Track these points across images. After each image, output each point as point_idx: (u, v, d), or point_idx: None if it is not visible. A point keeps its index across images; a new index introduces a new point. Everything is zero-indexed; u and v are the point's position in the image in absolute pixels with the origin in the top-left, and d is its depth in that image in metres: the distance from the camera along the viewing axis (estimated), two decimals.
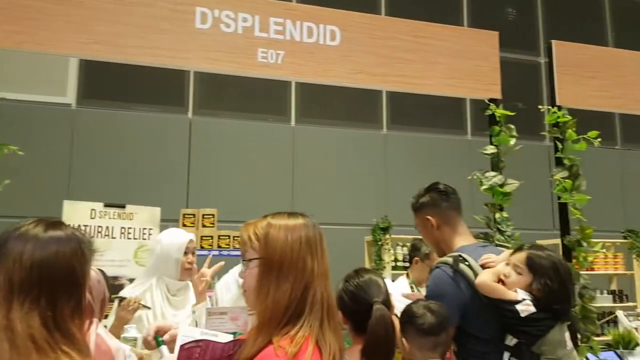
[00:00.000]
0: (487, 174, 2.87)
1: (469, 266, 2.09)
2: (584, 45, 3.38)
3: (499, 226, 2.75)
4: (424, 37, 3.08)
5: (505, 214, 2.79)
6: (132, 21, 2.59)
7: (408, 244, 5.17)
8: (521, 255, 2.04)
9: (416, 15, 3.30)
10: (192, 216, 4.26)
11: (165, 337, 1.77)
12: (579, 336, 2.70)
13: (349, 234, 6.13)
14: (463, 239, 2.26)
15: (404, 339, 2.01)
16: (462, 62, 3.11)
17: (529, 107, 3.71)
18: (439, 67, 3.07)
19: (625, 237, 5.69)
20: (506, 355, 2.00)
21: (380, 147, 7.00)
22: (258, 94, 6.60)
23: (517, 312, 1.93)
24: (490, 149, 2.94)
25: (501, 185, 2.83)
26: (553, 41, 3.26)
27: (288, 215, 1.45)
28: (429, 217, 2.29)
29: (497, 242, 2.73)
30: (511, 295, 1.99)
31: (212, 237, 4.22)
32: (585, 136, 2.95)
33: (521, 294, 1.99)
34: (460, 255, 2.13)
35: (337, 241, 6.10)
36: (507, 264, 2.04)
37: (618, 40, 7.92)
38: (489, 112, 3.03)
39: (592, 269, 5.13)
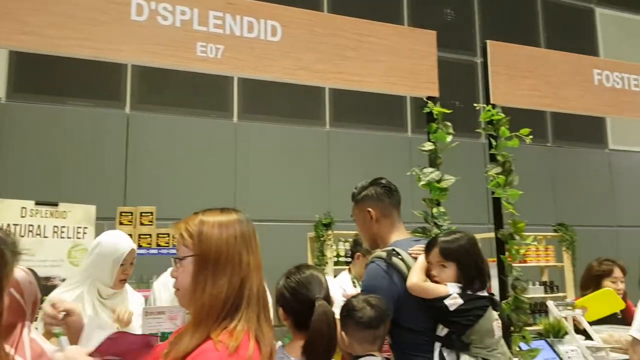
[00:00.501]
0: (425, 170, 2.93)
1: (402, 260, 2.15)
2: (517, 45, 3.50)
3: (436, 221, 2.81)
4: (365, 35, 3.11)
5: (442, 209, 2.86)
6: (64, 11, 2.48)
7: (350, 240, 5.23)
8: (435, 251, 2.13)
9: (357, 13, 3.33)
10: (129, 214, 4.14)
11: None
12: (512, 326, 2.81)
13: (292, 231, 6.14)
14: (398, 234, 2.32)
15: (343, 333, 2.03)
16: (402, 61, 3.16)
17: (465, 105, 3.81)
18: (379, 65, 3.11)
19: (555, 231, 5.96)
20: (437, 345, 2.07)
21: (323, 144, 7.04)
22: (199, 90, 6.49)
23: (446, 306, 2.02)
24: (428, 146, 3.00)
25: (438, 181, 2.89)
26: (488, 41, 3.36)
27: (220, 211, 1.44)
28: (370, 209, 2.33)
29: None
30: (442, 291, 2.07)
31: (150, 235, 4.12)
32: (517, 133, 3.06)
33: (451, 288, 2.07)
34: (394, 250, 2.18)
35: (280, 238, 6.16)
36: (430, 263, 2.12)
37: (549, 41, 8.28)
38: (427, 110, 3.09)
39: (525, 262, 5.35)
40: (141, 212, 4.18)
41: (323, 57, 2.96)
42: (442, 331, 2.08)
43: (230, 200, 6.09)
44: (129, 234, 2.85)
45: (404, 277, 2.12)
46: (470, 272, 2.10)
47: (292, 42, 2.89)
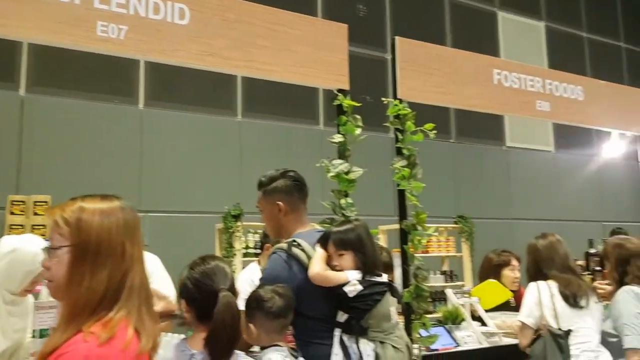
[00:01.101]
0: (334, 162, 2.95)
1: (303, 250, 2.18)
2: (424, 43, 3.60)
3: (343, 211, 2.85)
4: (278, 23, 3.08)
5: (350, 200, 2.90)
6: None
7: (260, 231, 5.19)
8: (331, 242, 2.18)
9: (271, 1, 3.28)
10: (21, 203, 3.86)
11: None
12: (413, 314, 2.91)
13: (200, 222, 6.00)
14: (302, 226, 2.35)
15: (250, 324, 2.02)
16: (313, 52, 3.16)
17: (375, 100, 3.89)
18: (290, 55, 3.09)
19: (456, 222, 6.26)
20: (337, 331, 2.12)
21: (234, 134, 6.92)
22: (102, 73, 6.15)
23: (345, 293, 2.07)
24: (338, 138, 3.03)
25: (347, 173, 2.93)
26: (397, 37, 3.44)
27: (101, 197, 1.34)
28: (280, 202, 2.33)
29: None
30: (342, 278, 2.12)
31: (44, 226, 3.86)
32: (422, 128, 3.16)
33: (350, 275, 2.13)
34: (295, 241, 2.21)
35: (187, 229, 6.00)
36: (329, 254, 2.18)
37: (455, 41, 8.64)
38: (337, 102, 3.11)
39: (427, 252, 5.57)
40: (35, 202, 3.92)
41: (234, 44, 2.89)
42: (341, 317, 2.14)
43: (134, 191, 5.85)
44: (20, 225, 2.64)
45: (304, 267, 2.15)
46: (367, 259, 2.17)
47: (201, 27, 2.79)
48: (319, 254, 2.16)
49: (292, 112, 7.35)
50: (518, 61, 4.34)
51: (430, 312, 4.31)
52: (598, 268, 4.22)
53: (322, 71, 3.17)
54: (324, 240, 2.21)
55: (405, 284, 2.95)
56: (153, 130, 6.37)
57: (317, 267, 2.12)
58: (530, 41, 9.86)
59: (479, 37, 9.10)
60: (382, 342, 2.12)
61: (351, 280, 2.10)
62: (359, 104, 3.12)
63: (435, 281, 5.39)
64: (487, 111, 3.95)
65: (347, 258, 2.16)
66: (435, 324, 3.20)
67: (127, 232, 1.30)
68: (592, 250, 4.36)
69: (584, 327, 2.82)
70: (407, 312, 2.91)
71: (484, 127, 8.78)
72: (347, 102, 3.10)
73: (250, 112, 7.11)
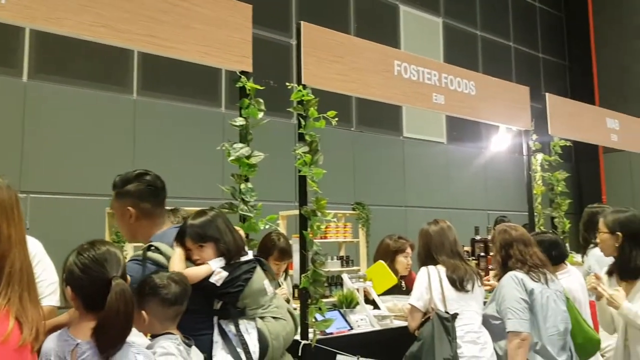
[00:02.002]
0: (235, 146, 2.90)
1: (161, 253, 2.15)
2: (329, 30, 3.61)
3: (243, 196, 2.81)
4: None
5: (250, 185, 2.86)
6: None
7: None
8: (188, 238, 2.18)
9: None
10: None
11: None
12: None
13: (88, 205, 5.68)
14: (160, 228, 2.30)
15: (143, 312, 1.94)
16: (216, 31, 3.06)
17: (280, 85, 3.86)
18: (192, 32, 2.97)
19: (353, 209, 6.41)
20: (215, 319, 2.12)
21: (128, 113, 6.59)
22: None
23: (213, 284, 2.07)
24: (240, 121, 2.97)
25: (247, 157, 2.88)
26: (302, 23, 3.41)
27: None
28: (129, 208, 2.25)
29: (241, 212, 2.80)
30: (203, 271, 2.12)
31: None
32: (324, 115, 3.18)
33: (213, 265, 2.14)
34: (152, 245, 2.18)
35: (73, 212, 5.65)
36: (189, 249, 2.16)
37: (358, 31, 8.79)
38: (239, 85, 3.05)
39: (325, 237, 5.65)
40: None
41: (130, 17, 2.73)
42: (217, 304, 2.16)
43: (14, 169, 5.40)
44: None
45: (162, 267, 2.12)
46: (229, 245, 2.17)
47: None
48: (176, 254, 2.15)
49: (193, 92, 7.12)
50: (417, 54, 4.48)
51: (327, 297, 4.39)
52: (482, 254, 4.52)
53: (225, 51, 3.08)
54: (180, 237, 2.18)
55: (303, 269, 2.97)
56: (38, 105, 5.90)
57: (176, 267, 2.10)
58: (428, 36, 10.26)
59: (381, 29, 9.33)
60: (262, 317, 2.15)
61: (215, 269, 2.11)
62: (262, 87, 3.07)
63: (333, 266, 5.48)
64: (387, 101, 4.05)
65: (208, 250, 2.17)
66: (330, 308, 3.26)
67: (3, 213, 1.19)
68: (478, 237, 4.65)
69: (469, 310, 2.99)
70: (304, 296, 2.93)
71: (383, 117, 9.05)
72: (250, 84, 3.04)
73: (147, 91, 6.79)
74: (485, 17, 11.29)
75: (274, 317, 2.19)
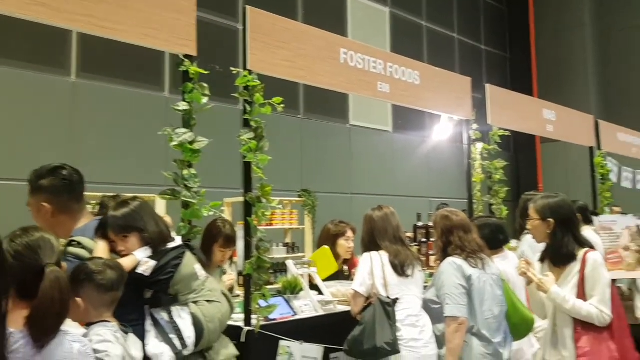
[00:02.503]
0: (177, 131, 2.84)
1: (84, 247, 2.13)
2: (275, 16, 3.58)
3: (186, 183, 2.77)
4: None
5: (193, 171, 2.82)
6: None
7: (93, 202, 4.84)
8: (110, 230, 2.17)
9: None
10: None
11: None
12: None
13: (22, 191, 5.44)
14: (80, 222, 2.26)
15: (78, 299, 1.90)
16: (159, 13, 2.98)
17: (226, 70, 3.80)
18: (133, 13, 2.87)
19: (300, 196, 6.43)
20: (147, 309, 2.11)
21: (66, 96, 6.34)
22: None
23: (142, 274, 2.06)
24: (182, 106, 2.91)
25: (191, 143, 2.84)
26: (248, 7, 3.37)
27: None
28: (44, 204, 2.20)
29: (184, 199, 2.76)
30: (130, 263, 2.11)
31: None
32: (270, 101, 3.17)
33: (139, 255, 2.12)
34: (73, 240, 2.15)
35: (7, 198, 5.39)
36: (113, 241, 2.15)
37: (306, 18, 8.76)
38: (183, 69, 2.99)
39: (271, 224, 5.67)
40: None
41: None
42: (148, 294, 2.14)
43: None
44: None
45: (84, 260, 2.10)
46: (153, 233, 2.17)
47: None
48: (99, 246, 2.12)
49: (135, 76, 6.92)
50: (364, 43, 4.51)
51: (271, 283, 4.40)
52: (424, 239, 4.64)
53: (168, 34, 3.01)
54: (102, 229, 2.15)
55: (247, 255, 2.97)
56: None
57: None
58: (375, 25, 10.35)
59: (329, 17, 9.33)
60: (195, 302, 2.15)
61: (141, 260, 2.09)
62: (206, 72, 3.03)
63: (278, 253, 5.51)
64: (333, 89, 4.06)
65: (132, 240, 2.16)
66: (275, 295, 3.27)
67: None
68: (420, 223, 4.76)
69: (409, 295, 3.07)
70: (248, 283, 2.93)
71: (330, 105, 9.09)
72: (193, 69, 2.99)
73: (86, 73, 6.55)
74: (431, 8, 11.48)
75: (207, 301, 2.19)
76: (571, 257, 2.85)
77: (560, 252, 2.89)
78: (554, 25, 12.56)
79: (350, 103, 9.54)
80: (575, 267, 2.82)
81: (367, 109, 9.79)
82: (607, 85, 12.47)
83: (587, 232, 5.10)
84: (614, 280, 5.58)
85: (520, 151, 12.69)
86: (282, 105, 3.22)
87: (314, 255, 3.89)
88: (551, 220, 2.91)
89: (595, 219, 5.83)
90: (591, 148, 6.55)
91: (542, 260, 3.05)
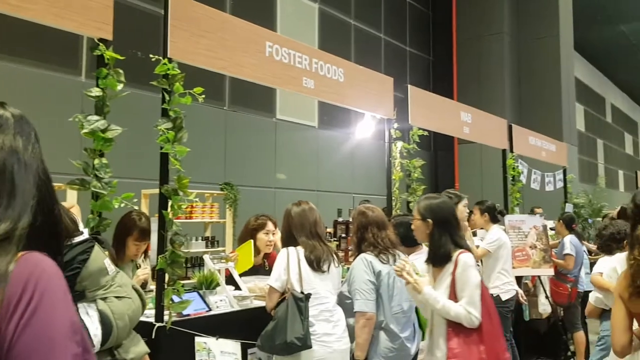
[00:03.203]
0: (89, 118, 2.71)
1: None
2: (199, 4, 3.49)
3: (97, 172, 2.65)
4: None
5: (104, 160, 2.70)
6: None
7: None
8: None
9: None
10: None
11: None
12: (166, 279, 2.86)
13: None
14: None
15: None
16: None
17: (147, 57, 3.66)
18: None
19: (221, 189, 6.33)
20: None
21: None
22: None
23: None
24: (96, 92, 2.79)
25: (103, 131, 2.72)
26: None
27: None
28: None
29: (94, 189, 2.64)
30: None
31: None
32: (191, 91, 3.09)
33: None
34: None
35: None
36: None
37: (234, 9, 8.62)
38: (98, 53, 2.86)
39: (190, 217, 5.54)
40: None
41: None
42: None
43: None
44: None
45: None
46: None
47: None
48: None
49: (50, 58, 6.54)
50: (291, 38, 4.49)
51: (187, 278, 4.31)
52: (344, 235, 4.70)
53: (82, 16, 2.86)
54: None
55: (161, 250, 2.88)
56: None
57: None
58: (304, 20, 10.36)
59: (258, 10, 9.23)
60: (104, 298, 2.07)
61: None
62: (122, 57, 2.91)
63: (197, 247, 5.39)
64: (257, 82, 4.02)
65: None
66: (190, 290, 3.20)
67: None
68: (340, 219, 4.83)
69: (324, 290, 3.10)
70: (161, 278, 2.85)
71: (256, 98, 9.00)
72: (109, 53, 2.87)
73: None
74: (359, 7, 11.64)
75: (117, 297, 2.10)
76: (447, 258, 2.81)
77: (437, 253, 2.84)
78: (475, 31, 13.08)
79: (277, 97, 9.50)
80: (449, 267, 2.80)
81: (294, 104, 9.79)
82: (520, 92, 13.15)
83: (495, 230, 5.39)
84: (520, 277, 5.94)
85: (440, 150, 13.15)
86: (203, 96, 3.14)
87: (239, 249, 3.83)
88: (430, 220, 2.88)
89: (505, 218, 6.14)
90: (504, 150, 6.88)
91: (427, 261, 3.00)
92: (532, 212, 8.44)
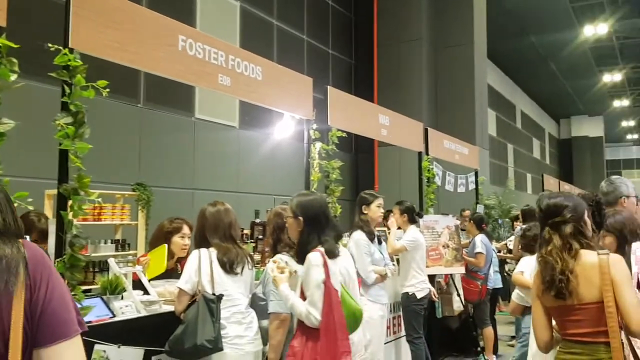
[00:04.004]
0: None
1: None
2: None
3: None
4: None
5: None
6: None
7: None
8: None
9: None
10: None
11: None
12: None
13: None
14: None
15: None
16: None
17: (48, 47, 3.42)
18: None
19: (134, 190, 6.06)
20: None
21: None
22: None
23: None
24: None
25: None
26: None
27: None
28: None
29: None
30: None
31: None
32: (94, 84, 2.91)
33: None
34: None
35: None
36: None
37: (151, 2, 8.31)
38: None
39: (99, 219, 5.27)
40: None
41: None
42: None
43: None
44: None
45: None
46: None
47: None
48: None
49: None
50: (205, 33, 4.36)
51: (94, 283, 4.08)
52: (261, 236, 4.62)
53: None
54: None
55: (59, 253, 2.68)
56: None
57: None
58: (225, 19, 10.17)
59: (178, 6, 8.96)
60: None
61: None
62: (17, 46, 2.68)
63: (106, 250, 5.12)
64: (169, 77, 3.86)
65: None
66: (93, 295, 3.01)
67: None
68: (257, 220, 4.74)
69: (237, 292, 3.02)
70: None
71: (174, 96, 8.72)
72: (2, 41, 2.63)
73: None
74: (282, 8, 11.59)
75: None
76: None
77: (304, 250, 2.84)
78: (395, 36, 13.38)
79: (196, 96, 9.26)
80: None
81: (214, 103, 9.58)
82: (437, 96, 13.61)
83: (413, 230, 5.51)
84: (433, 276, 6.10)
85: (361, 153, 13.35)
86: (107, 90, 2.97)
87: (152, 252, 3.65)
88: (300, 218, 2.87)
89: (420, 219, 6.29)
90: (420, 153, 7.05)
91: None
92: (461, 215, 8.76)
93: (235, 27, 10.33)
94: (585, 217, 2.54)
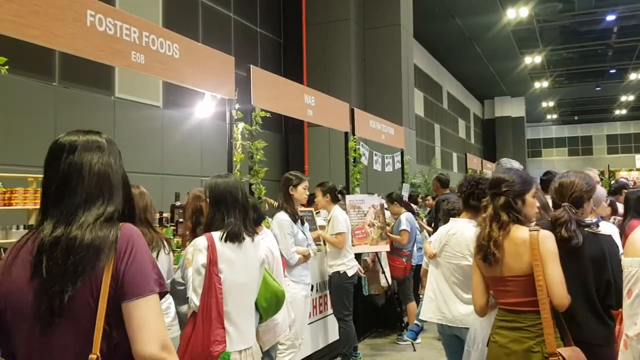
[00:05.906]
0: None
1: None
2: None
3: None
4: None
5: None
6: None
7: None
8: None
9: None
10: None
11: None
12: None
13: None
14: None
15: None
16: None
17: None
18: None
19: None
20: None
21: None
22: None
23: None
24: None
25: None
26: None
27: None
28: None
29: None
30: None
31: None
32: None
33: None
34: None
35: None
36: None
37: None
38: None
39: (11, 204, 4.98)
40: None
41: None
42: None
43: None
44: None
45: None
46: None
47: None
48: None
49: None
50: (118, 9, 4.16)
51: None
52: (181, 220, 4.51)
53: None
54: None
55: None
56: None
57: None
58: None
59: None
60: None
61: None
62: None
63: (18, 236, 4.84)
64: (77, 54, 3.65)
65: None
66: None
67: None
68: (178, 203, 4.62)
69: None
70: None
71: (92, 74, 8.31)
72: None
73: None
74: None
75: None
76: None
77: (209, 230, 2.82)
78: (323, 16, 13.32)
79: (116, 75, 8.87)
80: None
81: (136, 82, 9.21)
82: (365, 77, 13.72)
83: (336, 210, 5.55)
84: (359, 254, 6.21)
85: (291, 133, 13.29)
86: (7, 67, 2.78)
87: None
88: (208, 200, 2.90)
89: (346, 198, 6.35)
90: (346, 133, 7.10)
91: None
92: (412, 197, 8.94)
93: (158, 5, 9.94)
94: (527, 195, 2.71)
